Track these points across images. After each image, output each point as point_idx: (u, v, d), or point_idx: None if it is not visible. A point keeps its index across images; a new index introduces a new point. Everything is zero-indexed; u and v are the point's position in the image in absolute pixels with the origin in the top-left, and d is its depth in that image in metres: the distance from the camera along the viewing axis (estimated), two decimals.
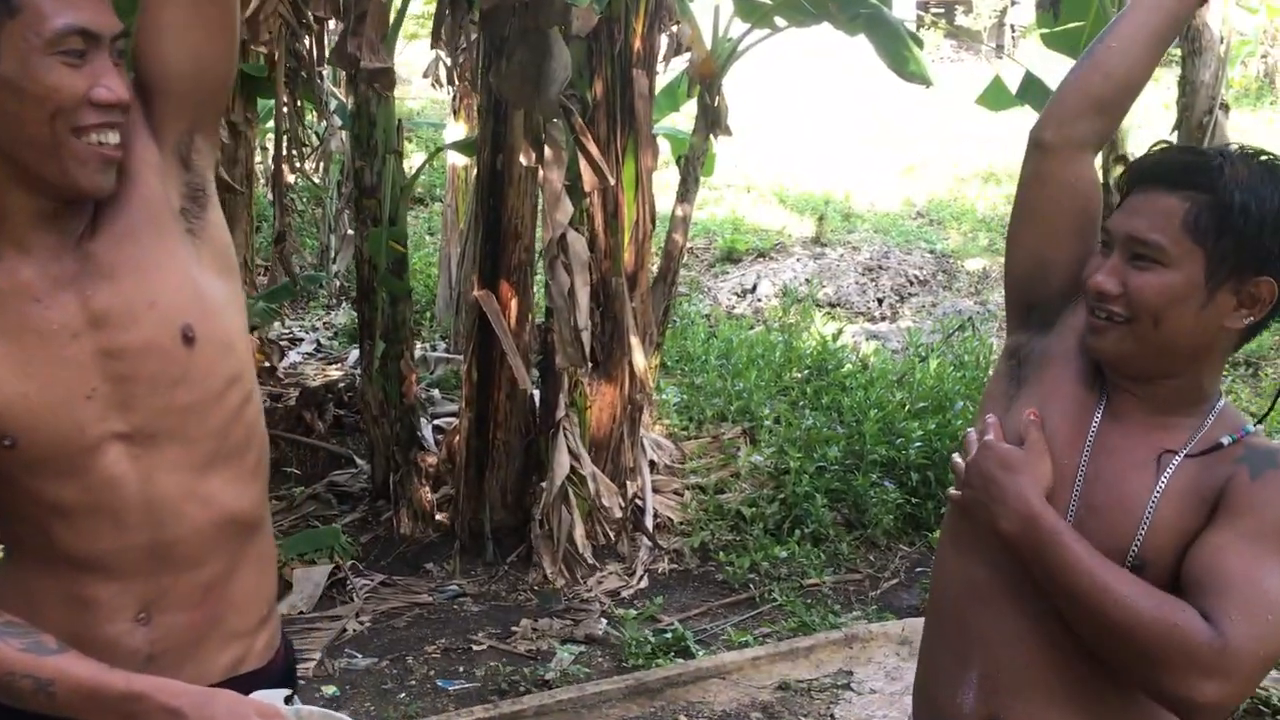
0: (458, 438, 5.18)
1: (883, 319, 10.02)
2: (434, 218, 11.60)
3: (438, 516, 5.22)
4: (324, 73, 7.55)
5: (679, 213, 6.21)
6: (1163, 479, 1.45)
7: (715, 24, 6.06)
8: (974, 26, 20.86)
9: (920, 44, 5.62)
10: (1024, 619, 1.51)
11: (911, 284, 10.70)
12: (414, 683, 4.07)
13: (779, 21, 5.85)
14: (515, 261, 4.90)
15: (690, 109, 6.44)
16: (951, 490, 1.59)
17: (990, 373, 1.71)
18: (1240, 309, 1.44)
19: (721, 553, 5.08)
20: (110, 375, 1.39)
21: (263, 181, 9.28)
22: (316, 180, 10.21)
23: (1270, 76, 17.95)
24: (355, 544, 5.03)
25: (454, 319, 8.10)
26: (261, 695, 1.39)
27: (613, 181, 4.94)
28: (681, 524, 5.34)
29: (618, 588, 4.80)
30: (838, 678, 3.99)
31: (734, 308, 10.12)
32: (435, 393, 6.97)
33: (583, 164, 4.78)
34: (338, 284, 9.75)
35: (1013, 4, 21.54)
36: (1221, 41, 5.32)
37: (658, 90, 5.87)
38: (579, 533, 4.88)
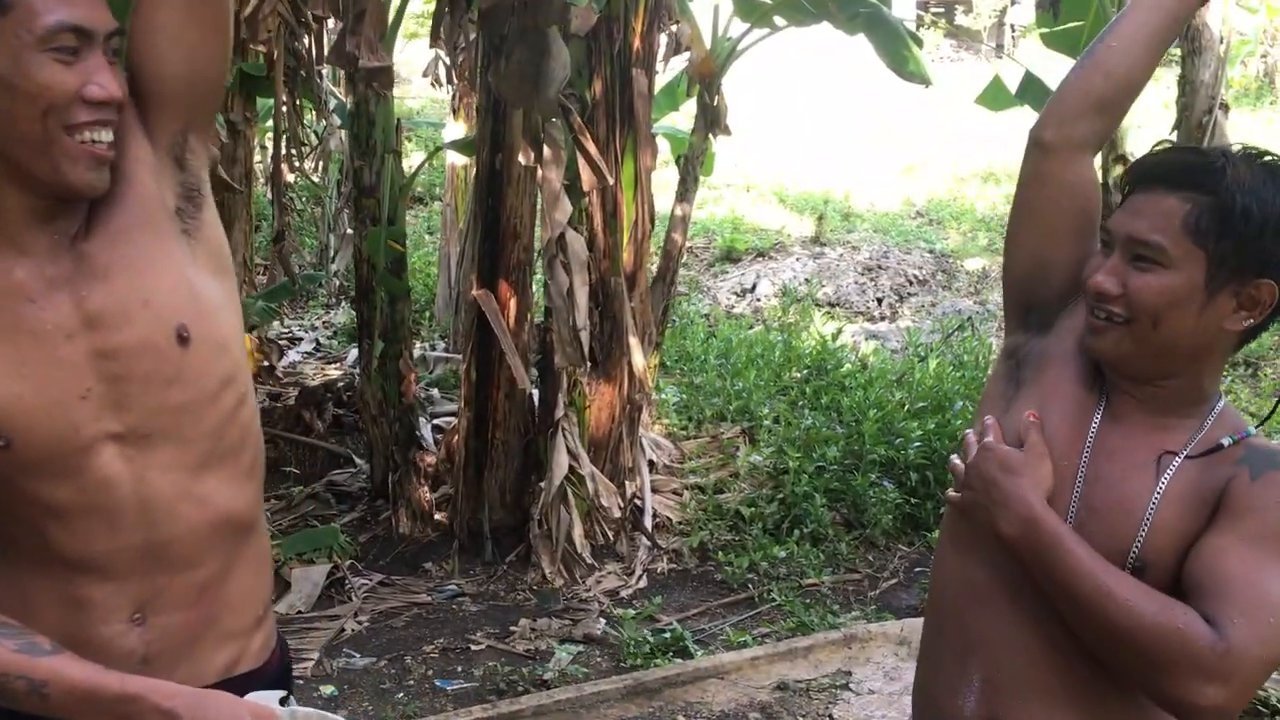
0: (456, 437, 5.18)
1: (882, 319, 10.01)
2: (433, 217, 11.59)
3: (436, 516, 5.22)
4: (323, 72, 7.56)
5: (678, 212, 6.21)
6: (1163, 480, 1.44)
7: (715, 23, 6.06)
8: (974, 26, 20.85)
9: (920, 43, 5.61)
10: (1024, 621, 1.50)
11: (911, 284, 10.69)
12: (412, 682, 4.06)
13: (778, 21, 5.85)
14: (514, 261, 4.90)
15: (690, 108, 6.44)
16: (950, 492, 1.59)
17: (989, 373, 1.70)
18: (1240, 311, 1.43)
19: (720, 552, 5.07)
20: (105, 375, 1.39)
21: (262, 180, 9.27)
22: (316, 179, 10.22)
23: (1270, 76, 17.94)
24: (354, 543, 5.02)
25: (453, 318, 8.10)
26: (256, 697, 1.38)
27: (611, 181, 4.94)
28: (680, 524, 5.34)
29: (616, 587, 4.79)
30: (836, 678, 3.98)
31: (733, 307, 10.12)
32: (434, 392, 6.96)
33: (581, 163, 4.77)
34: (337, 283, 9.74)
35: (1012, 4, 21.53)
36: (1221, 41, 5.32)
37: (657, 89, 5.86)
38: (578, 532, 4.87)
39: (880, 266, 10.82)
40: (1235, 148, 1.46)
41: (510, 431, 5.00)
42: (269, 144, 7.90)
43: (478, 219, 4.98)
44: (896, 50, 5.46)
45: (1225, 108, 5.38)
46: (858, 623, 4.43)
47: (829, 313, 9.83)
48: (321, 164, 9.71)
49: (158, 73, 1.45)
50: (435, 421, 6.20)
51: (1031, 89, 5.56)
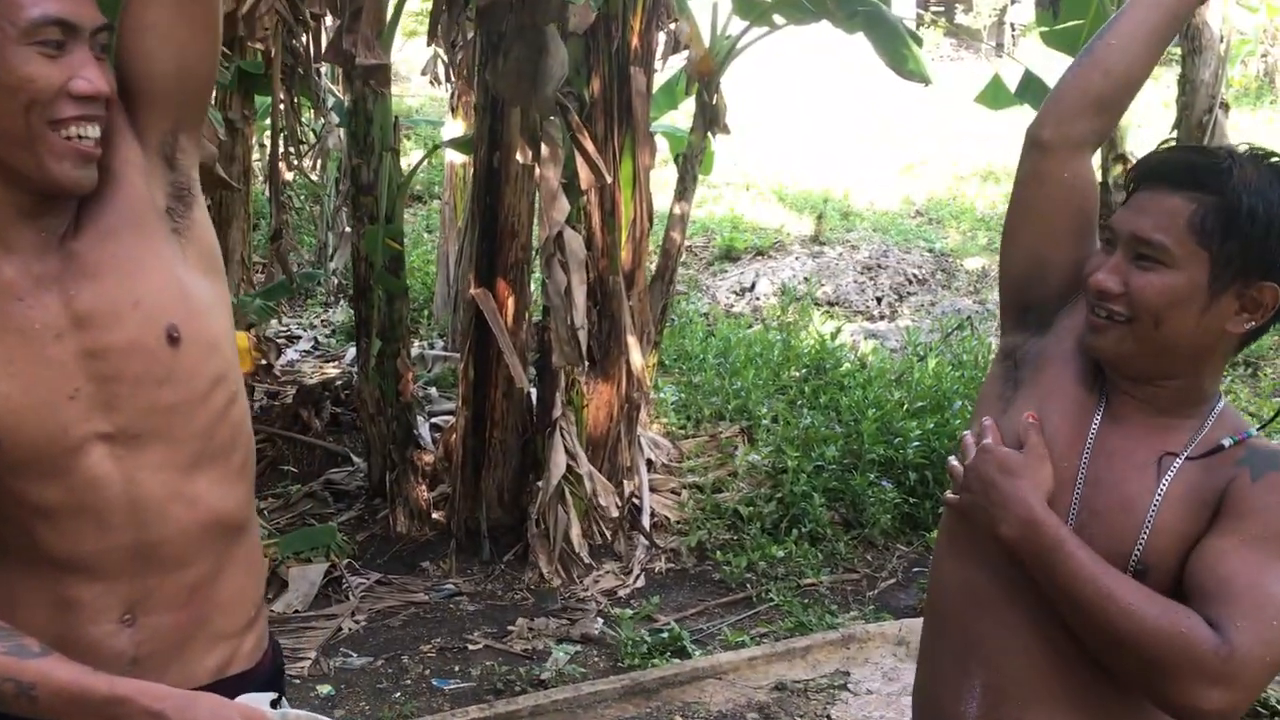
0: (454, 436, 5.17)
1: (881, 318, 10.00)
2: (432, 215, 11.58)
3: (434, 515, 5.21)
4: (321, 70, 7.56)
5: (677, 211, 6.20)
6: (1164, 482, 1.43)
7: (714, 21, 6.05)
8: (974, 25, 20.84)
9: (919, 42, 5.61)
10: (1025, 625, 1.49)
11: (910, 283, 10.68)
12: (409, 682, 4.06)
13: (778, 19, 5.84)
14: (512, 260, 4.89)
15: (689, 107, 6.43)
16: (949, 495, 1.57)
17: (986, 373, 1.69)
18: (1242, 313, 1.42)
19: (718, 552, 5.06)
20: (94, 375, 1.38)
21: (260, 179, 9.27)
22: (314, 178, 10.21)
23: (1270, 76, 17.94)
24: (351, 542, 5.02)
25: (452, 317, 8.09)
26: (248, 699, 1.37)
27: (610, 179, 4.93)
28: (678, 523, 5.33)
29: (614, 587, 4.79)
30: (834, 678, 3.97)
31: (732, 306, 10.11)
32: (433, 391, 6.96)
33: (580, 162, 4.76)
34: (335, 281, 9.74)
35: (1012, 2, 21.52)
36: (1221, 40, 5.32)
37: (656, 88, 5.86)
38: (575, 532, 4.87)
39: (879, 265, 10.81)
40: (1241, 148, 1.45)
41: (508, 430, 4.99)
42: (267, 142, 7.89)
43: (476, 217, 4.97)
44: (896, 49, 5.46)
45: (1225, 107, 5.39)
46: (856, 623, 4.43)
47: (828, 312, 9.82)
48: (320, 162, 9.71)
49: (147, 71, 1.44)
50: (433, 420, 6.19)
51: (1031, 88, 5.56)
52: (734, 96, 6.31)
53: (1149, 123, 11.21)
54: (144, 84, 1.44)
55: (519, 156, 4.72)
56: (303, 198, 11.53)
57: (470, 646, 4.29)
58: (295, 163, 8.62)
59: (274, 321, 8.37)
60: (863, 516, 5.32)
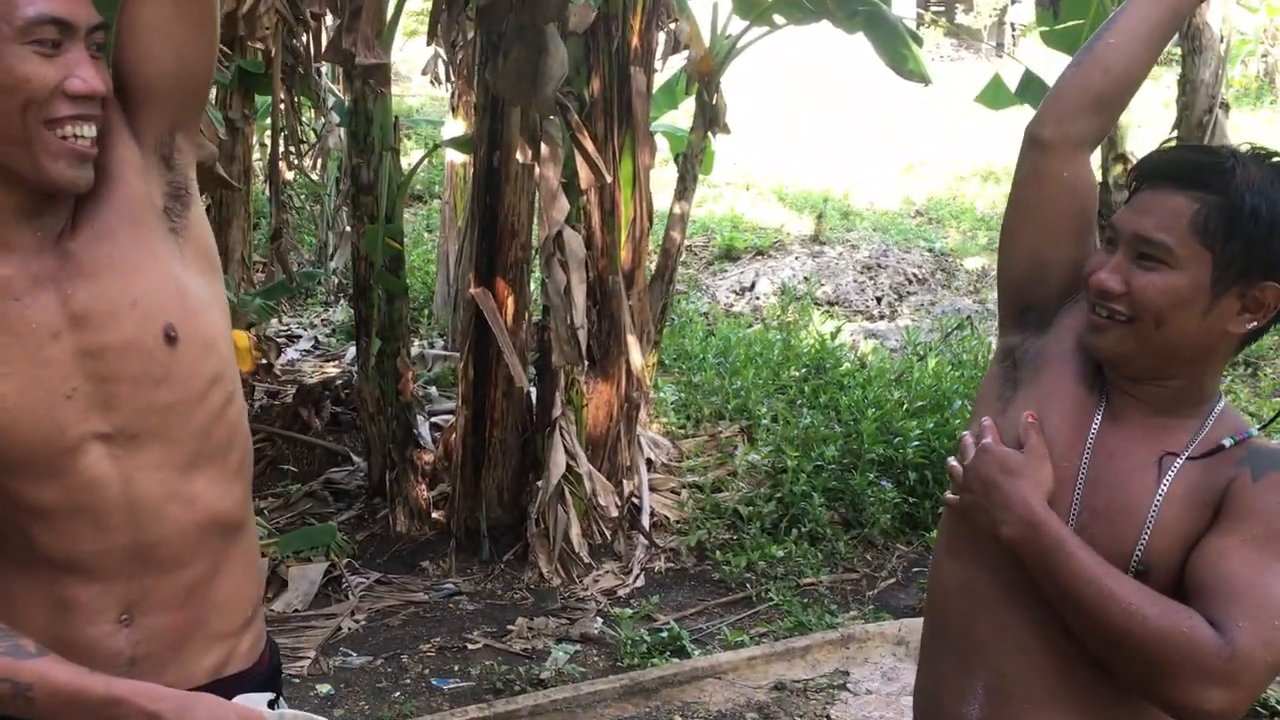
0: (454, 435, 5.17)
1: (881, 317, 10.00)
2: (433, 215, 11.58)
3: (434, 514, 5.21)
4: (321, 69, 7.55)
5: (677, 210, 6.19)
6: (1164, 482, 1.43)
7: (714, 21, 6.05)
8: (974, 25, 20.84)
9: (919, 42, 5.60)
10: (1026, 627, 1.49)
11: (910, 282, 10.68)
12: (409, 681, 4.06)
13: (778, 19, 5.83)
14: (512, 259, 4.88)
15: (689, 106, 6.42)
16: (949, 494, 1.57)
17: (985, 374, 1.69)
18: (1244, 313, 1.42)
19: (718, 552, 5.06)
20: (91, 375, 1.38)
21: (260, 178, 9.26)
22: (314, 177, 10.21)
23: (1270, 76, 17.93)
24: (351, 542, 5.01)
25: (452, 316, 8.09)
26: (245, 699, 1.37)
27: (610, 179, 4.93)
28: (678, 523, 5.33)
29: (614, 586, 4.78)
30: (834, 678, 3.97)
31: (732, 306, 10.10)
32: (433, 390, 6.95)
33: (579, 161, 4.76)
34: (335, 281, 9.73)
35: (1013, 2, 21.52)
36: (1222, 40, 5.32)
37: (656, 88, 5.85)
38: (575, 531, 4.86)
39: (879, 265, 10.81)
40: (1243, 147, 1.45)
41: (508, 430, 4.99)
42: (267, 141, 7.89)
43: (475, 217, 4.97)
44: (896, 49, 5.45)
45: (1225, 107, 5.39)
46: (855, 623, 4.42)
47: (828, 311, 9.82)
48: (320, 161, 9.70)
49: (145, 70, 1.44)
50: (433, 420, 6.19)
51: (1032, 88, 5.56)
52: (734, 96, 6.31)
53: (1149, 123, 11.22)
54: (141, 83, 1.44)
55: (519, 156, 4.72)
56: (303, 197, 11.53)
57: (470, 646, 4.29)
58: (295, 162, 8.61)
59: (274, 321, 8.36)
60: (862, 516, 5.32)
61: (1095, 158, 5.61)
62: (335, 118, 8.00)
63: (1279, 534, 1.37)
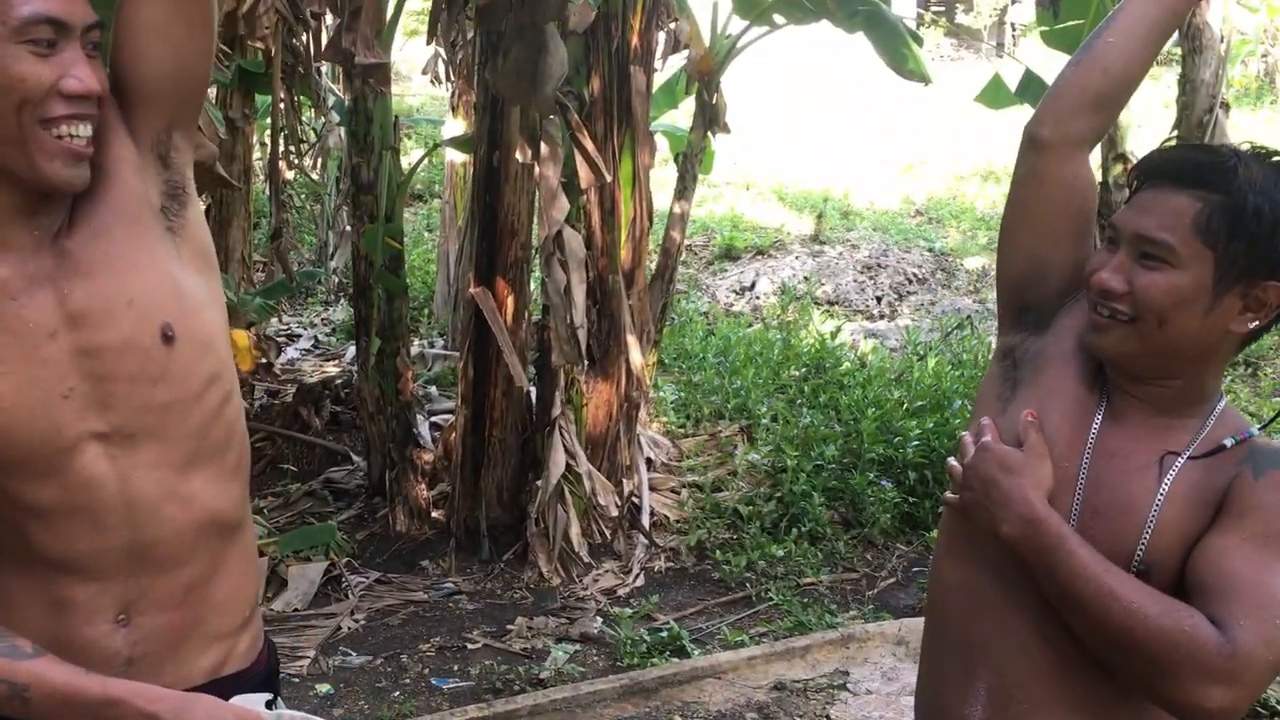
0: (454, 435, 5.17)
1: (881, 317, 10.00)
2: (433, 214, 11.58)
3: (433, 514, 5.21)
4: (321, 69, 7.55)
5: (677, 210, 6.19)
6: (1166, 481, 1.42)
7: (714, 21, 6.04)
8: (974, 25, 20.83)
9: (920, 41, 5.60)
10: (1028, 628, 1.48)
11: (910, 282, 10.68)
12: (408, 681, 4.05)
13: (778, 19, 5.83)
14: (512, 258, 4.88)
15: (689, 106, 6.42)
16: (948, 494, 1.57)
17: (985, 374, 1.69)
18: (1246, 313, 1.42)
19: (718, 551, 5.06)
20: (88, 374, 1.37)
21: (260, 177, 9.26)
22: (314, 176, 10.21)
23: (1270, 76, 17.92)
24: (351, 541, 5.01)
25: (452, 315, 8.09)
26: (243, 700, 1.37)
27: (609, 178, 4.92)
28: (678, 522, 5.33)
29: (613, 586, 4.78)
30: (834, 678, 3.97)
31: (732, 305, 10.10)
32: (432, 390, 6.95)
33: (579, 161, 4.76)
34: (335, 280, 9.73)
35: (1013, 2, 21.51)
36: (1222, 40, 5.32)
37: (656, 87, 5.85)
38: (575, 531, 4.86)
39: (879, 265, 10.81)
40: (1244, 146, 1.44)
41: (507, 429, 4.98)
42: (267, 141, 7.88)
43: (475, 216, 4.96)
44: (896, 48, 5.45)
45: (1226, 107, 5.38)
46: (855, 622, 4.42)
47: (828, 311, 9.82)
48: (320, 161, 9.71)
49: (142, 70, 1.43)
50: (433, 419, 6.19)
51: (1032, 87, 5.56)
52: (734, 96, 6.30)
53: (1149, 122, 11.21)
54: (139, 82, 1.43)
55: (519, 155, 4.71)
56: (303, 196, 11.53)
57: (469, 645, 4.29)
58: (295, 161, 8.61)
59: (274, 320, 8.36)
60: (862, 516, 5.31)
61: (1095, 157, 5.62)
62: (335, 117, 8.00)
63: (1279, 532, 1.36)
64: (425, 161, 7.09)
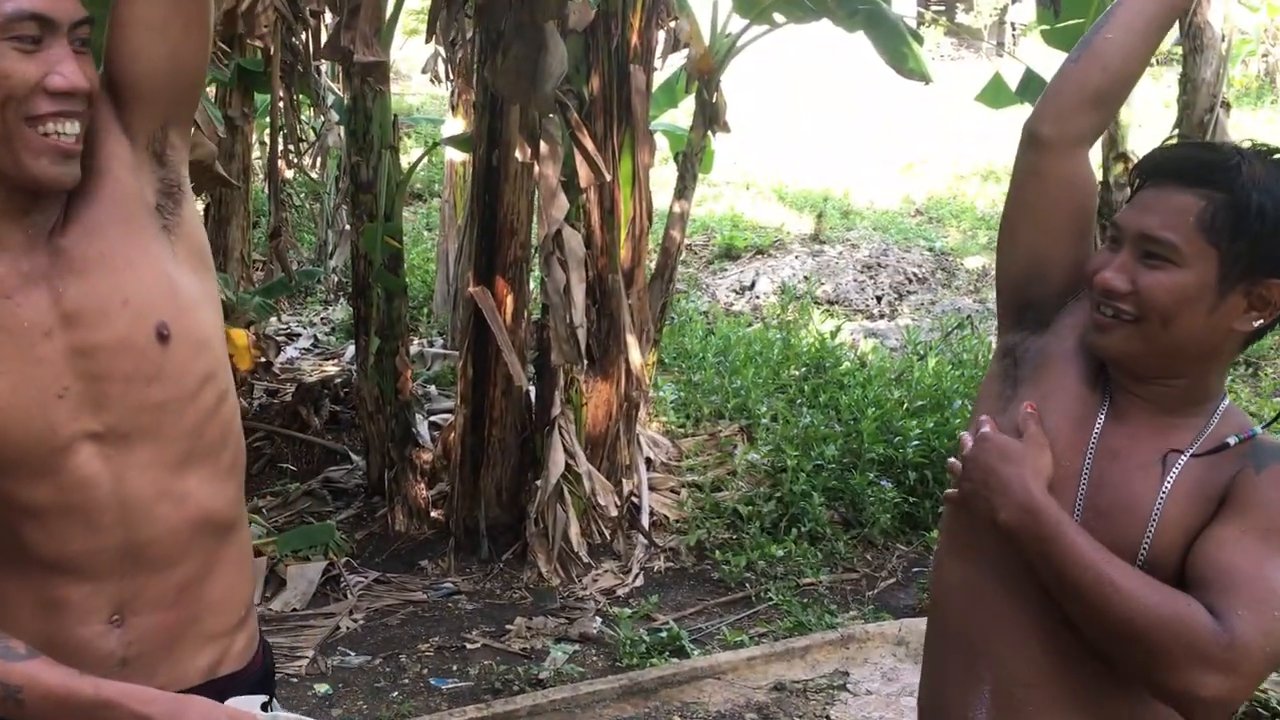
0: (453, 434, 5.16)
1: (881, 317, 9.99)
2: (432, 213, 11.57)
3: (433, 513, 5.20)
4: (321, 67, 7.54)
5: (677, 209, 6.18)
6: (1169, 479, 1.42)
7: (714, 20, 6.04)
8: (974, 24, 20.83)
9: (920, 40, 5.60)
10: (1031, 628, 1.48)
11: (910, 282, 10.67)
12: (407, 681, 4.04)
13: (778, 17, 5.82)
14: (511, 257, 4.87)
15: (688, 105, 6.41)
16: (949, 491, 1.56)
17: (985, 373, 1.68)
18: (1250, 311, 1.41)
19: (718, 551, 5.05)
20: (83, 374, 1.36)
21: (260, 176, 9.25)
22: (314, 175, 10.20)
23: (1271, 75, 17.91)
24: (350, 541, 5.01)
25: (451, 315, 8.08)
26: (237, 702, 1.36)
27: (609, 177, 4.91)
28: (678, 522, 5.32)
29: (613, 586, 4.77)
30: (834, 678, 3.96)
31: (732, 305, 10.09)
32: (432, 389, 6.94)
33: (579, 160, 4.75)
34: (335, 279, 9.73)
35: (1013, 1, 21.50)
36: (1223, 39, 5.30)
37: (656, 86, 5.84)
38: (574, 531, 4.85)
39: (879, 264, 10.80)
40: (1245, 144, 1.43)
41: (507, 429, 4.97)
42: (266, 139, 7.88)
43: (475, 215, 4.96)
44: (896, 47, 5.45)
45: (1227, 106, 5.37)
46: (855, 623, 4.41)
47: (828, 310, 9.81)
48: (319, 159, 9.70)
49: (138, 67, 1.42)
50: (432, 418, 6.18)
51: (1032, 87, 5.55)
52: (734, 95, 6.29)
53: (1150, 122, 11.19)
54: (134, 80, 1.42)
55: (518, 154, 4.70)
56: (302, 195, 11.52)
57: (468, 645, 4.28)
58: (295, 160, 8.60)
59: (273, 319, 8.35)
60: (862, 516, 5.30)
61: (1096, 157, 5.61)
62: (334, 116, 7.99)
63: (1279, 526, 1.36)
64: (425, 160, 7.08)
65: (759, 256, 11.24)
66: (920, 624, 1.64)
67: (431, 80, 9.18)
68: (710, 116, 6.04)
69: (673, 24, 5.64)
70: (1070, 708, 1.48)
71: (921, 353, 7.73)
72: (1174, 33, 5.67)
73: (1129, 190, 1.51)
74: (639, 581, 4.83)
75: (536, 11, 4.24)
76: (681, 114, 7.49)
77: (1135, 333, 1.42)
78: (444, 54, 8.00)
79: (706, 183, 11.83)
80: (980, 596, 1.53)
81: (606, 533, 5.04)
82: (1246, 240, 1.37)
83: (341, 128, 6.81)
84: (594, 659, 4.21)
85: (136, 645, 1.43)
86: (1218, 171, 1.38)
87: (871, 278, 10.58)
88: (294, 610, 4.47)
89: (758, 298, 10.13)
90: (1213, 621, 1.30)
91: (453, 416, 5.34)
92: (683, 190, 6.19)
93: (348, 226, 7.44)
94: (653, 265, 6.19)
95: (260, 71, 6.69)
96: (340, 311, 9.25)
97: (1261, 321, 1.42)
